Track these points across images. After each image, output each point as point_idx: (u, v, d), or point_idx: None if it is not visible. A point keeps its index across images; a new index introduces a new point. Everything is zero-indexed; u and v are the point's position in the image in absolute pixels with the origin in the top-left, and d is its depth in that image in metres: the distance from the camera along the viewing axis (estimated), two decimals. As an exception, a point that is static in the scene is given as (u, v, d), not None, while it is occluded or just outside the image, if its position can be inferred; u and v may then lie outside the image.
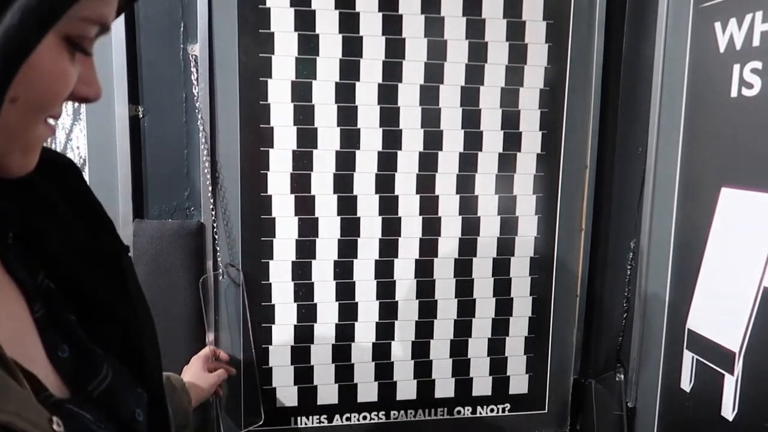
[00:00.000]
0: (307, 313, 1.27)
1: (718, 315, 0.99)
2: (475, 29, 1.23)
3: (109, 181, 1.17)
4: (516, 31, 1.24)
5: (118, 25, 1.12)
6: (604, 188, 1.33)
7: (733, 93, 0.95)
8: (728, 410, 0.97)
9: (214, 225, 1.20)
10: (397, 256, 1.28)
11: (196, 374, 1.11)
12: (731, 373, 0.96)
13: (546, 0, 1.24)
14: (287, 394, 1.29)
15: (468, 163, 1.27)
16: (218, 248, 1.21)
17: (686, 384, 1.07)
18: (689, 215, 1.07)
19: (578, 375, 1.38)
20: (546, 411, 1.40)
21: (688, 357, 1.07)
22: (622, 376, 1.26)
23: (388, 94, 1.22)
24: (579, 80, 1.28)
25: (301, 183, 1.23)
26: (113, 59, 1.13)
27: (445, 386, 1.35)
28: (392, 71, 1.22)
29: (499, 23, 1.23)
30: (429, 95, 1.24)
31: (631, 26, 1.27)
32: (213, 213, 1.20)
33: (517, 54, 1.25)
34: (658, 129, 1.15)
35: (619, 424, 1.27)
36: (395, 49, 1.21)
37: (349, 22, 1.19)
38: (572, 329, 1.37)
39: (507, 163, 1.29)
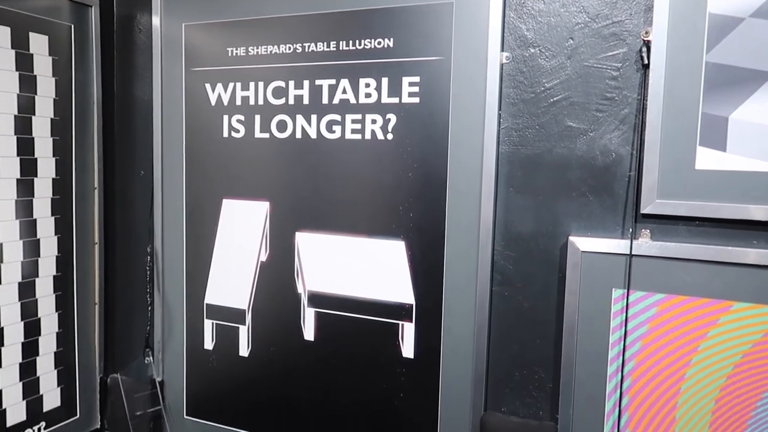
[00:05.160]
0: None
1: (230, 287, 1.42)
2: (-17, 55, 1.22)
3: None
4: (25, 62, 1.30)
5: None
6: (113, 205, 1.54)
7: (225, 134, 1.39)
8: (244, 350, 1.42)
9: None
10: None
11: None
12: (244, 324, 1.41)
13: (50, 37, 1.35)
14: None
15: (-15, 189, 1.24)
16: None
17: (209, 344, 1.46)
18: (198, 220, 1.45)
19: (103, 374, 1.55)
20: (78, 416, 1.50)
21: (208, 324, 1.46)
22: (151, 358, 1.52)
23: None
24: (83, 113, 1.44)
25: None
26: None
27: (-22, 427, 1.27)
28: None
29: (8, 53, 1.26)
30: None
31: (123, 71, 1.52)
32: None
33: (28, 84, 1.31)
34: (162, 157, 1.47)
35: (151, 400, 1.53)
36: None
37: None
38: (94, 333, 1.52)
39: (25, 188, 1.32)
